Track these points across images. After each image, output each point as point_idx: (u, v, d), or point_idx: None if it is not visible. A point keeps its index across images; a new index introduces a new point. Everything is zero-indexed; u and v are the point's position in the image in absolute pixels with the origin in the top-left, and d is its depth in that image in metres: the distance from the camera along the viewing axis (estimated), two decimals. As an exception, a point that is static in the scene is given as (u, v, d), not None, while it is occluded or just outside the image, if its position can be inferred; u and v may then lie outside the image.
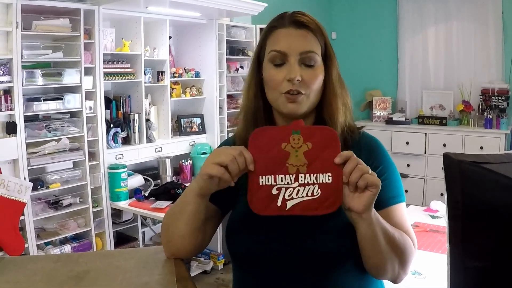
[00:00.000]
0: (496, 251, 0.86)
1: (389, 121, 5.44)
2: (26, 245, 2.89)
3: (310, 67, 1.11)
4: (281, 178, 1.00)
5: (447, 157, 0.92)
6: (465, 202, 0.89)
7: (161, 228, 1.19)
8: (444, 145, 5.04)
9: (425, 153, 5.19)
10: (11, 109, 2.85)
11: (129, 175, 3.49)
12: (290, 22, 1.12)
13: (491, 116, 4.94)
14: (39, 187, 3.03)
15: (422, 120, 5.32)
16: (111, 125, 3.51)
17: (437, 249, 2.32)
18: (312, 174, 0.99)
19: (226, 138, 1.45)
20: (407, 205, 3.76)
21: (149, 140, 3.76)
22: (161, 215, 3.14)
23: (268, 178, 1.00)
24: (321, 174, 0.99)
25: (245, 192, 1.02)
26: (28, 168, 2.94)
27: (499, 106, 4.92)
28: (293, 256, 1.07)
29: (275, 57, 1.11)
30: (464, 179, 0.91)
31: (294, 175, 0.99)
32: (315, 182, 0.99)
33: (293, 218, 1.05)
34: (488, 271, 0.87)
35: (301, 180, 0.99)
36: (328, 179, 0.98)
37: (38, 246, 3.04)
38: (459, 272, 0.87)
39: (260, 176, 1.00)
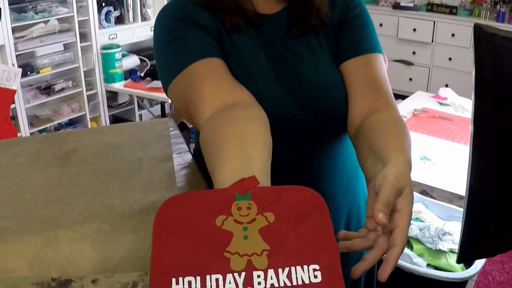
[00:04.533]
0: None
1: (396, 6, 5.20)
2: (19, 134, 2.85)
3: None
4: (216, 281, 0.49)
5: (478, 28, 0.83)
6: (494, 80, 0.80)
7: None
8: (453, 35, 4.85)
9: (432, 41, 5.01)
10: (-7, -13, 2.66)
11: (123, 55, 3.39)
12: None
13: (503, 10, 4.70)
14: (29, 72, 2.93)
15: (432, 7, 5.08)
16: (103, 4, 3.33)
17: (446, 136, 2.33)
18: (280, 270, 0.50)
19: None
20: (412, 92, 3.63)
21: (144, 18, 3.59)
22: (158, 94, 3.10)
23: (188, 283, 0.49)
24: (299, 268, 0.50)
25: None
26: (16, 53, 2.83)
27: (514, -2, 4.68)
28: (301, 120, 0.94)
29: None
30: (496, 55, 0.81)
31: (244, 274, 0.49)
32: (288, 284, 0.49)
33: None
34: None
35: (258, 284, 0.49)
36: (315, 277, 0.50)
37: (32, 135, 3.00)
38: (481, 154, 0.81)
39: (174, 280, 0.49)
